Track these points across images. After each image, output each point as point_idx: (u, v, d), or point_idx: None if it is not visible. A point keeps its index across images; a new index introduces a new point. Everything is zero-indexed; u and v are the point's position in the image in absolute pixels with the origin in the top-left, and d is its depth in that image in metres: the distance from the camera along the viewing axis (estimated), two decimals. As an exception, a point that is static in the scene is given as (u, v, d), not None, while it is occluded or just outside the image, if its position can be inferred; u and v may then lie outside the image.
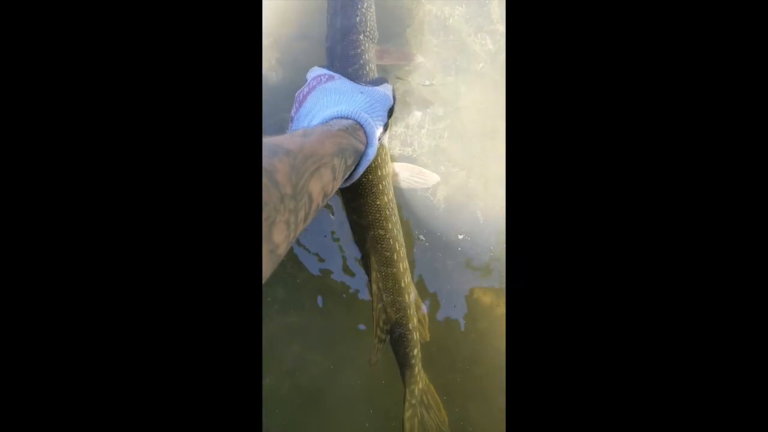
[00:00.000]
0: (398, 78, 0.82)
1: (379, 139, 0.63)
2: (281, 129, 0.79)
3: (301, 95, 0.65)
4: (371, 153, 0.60)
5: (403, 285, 0.68)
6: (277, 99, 0.80)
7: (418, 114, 0.81)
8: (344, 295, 0.74)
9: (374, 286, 0.67)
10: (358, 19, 0.73)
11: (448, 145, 0.80)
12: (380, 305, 0.67)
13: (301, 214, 0.43)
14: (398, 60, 0.80)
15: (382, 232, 0.67)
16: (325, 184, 0.48)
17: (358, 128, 0.59)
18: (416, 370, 0.68)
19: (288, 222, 0.40)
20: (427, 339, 0.70)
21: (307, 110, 0.62)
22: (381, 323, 0.67)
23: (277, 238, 0.38)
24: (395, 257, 0.68)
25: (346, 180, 0.61)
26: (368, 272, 0.69)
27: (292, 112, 0.66)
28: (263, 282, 0.35)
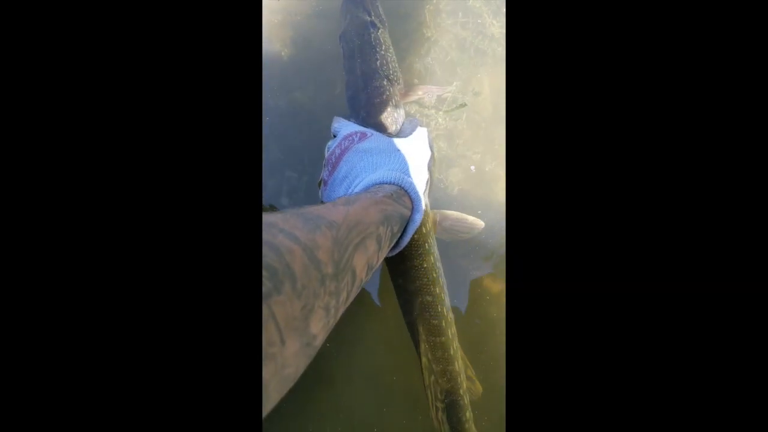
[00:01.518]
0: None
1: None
2: (294, 110, 0.78)
3: (333, 157, 0.62)
4: (418, 219, 0.57)
5: (452, 352, 0.63)
6: (288, 77, 0.80)
7: (434, 95, 0.80)
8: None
9: (423, 359, 0.63)
10: (378, 63, 0.69)
11: (464, 127, 0.79)
12: (432, 378, 0.63)
13: (343, 295, 0.38)
14: (425, 95, 0.76)
15: (429, 299, 0.62)
16: (370, 256, 0.44)
17: (402, 194, 0.56)
18: None
19: (328, 306, 0.35)
20: (480, 392, 0.66)
21: (343, 175, 0.59)
22: (438, 394, 0.63)
23: (314, 328, 0.33)
24: (443, 324, 0.63)
25: (393, 248, 0.58)
26: (416, 342, 0.65)
27: (325, 174, 0.63)
28: (295, 380, 0.32)
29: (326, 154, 0.64)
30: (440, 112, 0.79)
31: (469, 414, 0.65)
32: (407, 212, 0.56)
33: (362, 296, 0.73)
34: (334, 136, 0.66)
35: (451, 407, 0.64)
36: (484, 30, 0.81)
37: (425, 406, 0.65)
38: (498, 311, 0.73)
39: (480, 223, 0.70)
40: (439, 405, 0.64)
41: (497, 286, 0.73)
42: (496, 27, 0.81)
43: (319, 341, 0.35)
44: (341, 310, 0.39)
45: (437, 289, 0.63)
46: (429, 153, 0.65)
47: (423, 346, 0.63)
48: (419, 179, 0.60)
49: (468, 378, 0.65)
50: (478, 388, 0.66)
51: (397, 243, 0.58)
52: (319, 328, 0.34)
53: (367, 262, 0.43)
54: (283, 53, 0.80)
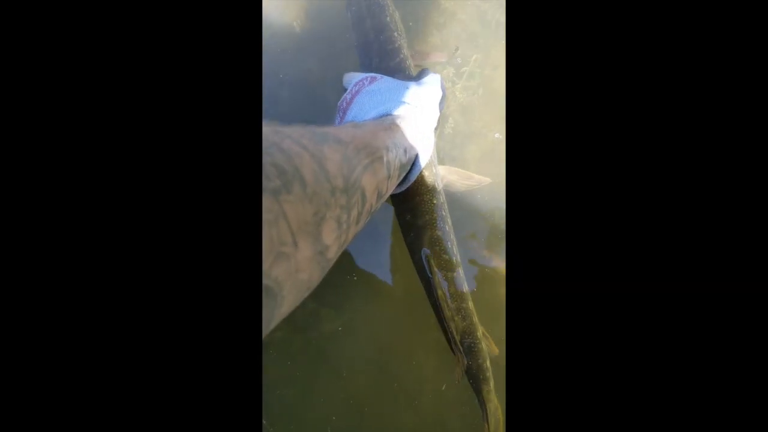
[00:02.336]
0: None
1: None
2: (307, 81, 0.77)
3: (344, 103, 0.61)
4: (426, 151, 0.56)
5: (464, 290, 0.62)
6: (302, 47, 0.78)
7: (451, 69, 0.78)
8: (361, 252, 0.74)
9: (439, 291, 0.61)
10: (388, 18, 0.70)
11: (481, 103, 0.77)
12: (450, 312, 0.61)
13: (354, 213, 0.37)
14: (429, 58, 0.76)
15: (440, 233, 0.62)
16: (380, 181, 0.42)
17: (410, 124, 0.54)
18: (492, 384, 0.62)
19: (339, 220, 0.34)
20: (496, 353, 0.64)
21: (353, 115, 0.57)
22: (455, 332, 0.61)
23: (327, 238, 0.32)
24: (454, 261, 0.62)
25: (401, 183, 0.57)
26: (426, 279, 0.63)
27: (336, 121, 0.62)
28: (310, 289, 0.32)
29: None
30: (457, 86, 0.77)
31: (489, 363, 0.62)
32: (416, 144, 0.55)
33: (370, 279, 0.73)
34: (346, 90, 0.65)
35: (470, 351, 0.61)
36: (505, 3, 0.77)
37: (433, 391, 0.64)
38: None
39: (486, 179, 0.70)
40: (461, 346, 0.61)
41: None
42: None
43: (332, 253, 0.34)
44: (353, 229, 0.38)
45: (447, 226, 0.63)
46: (441, 93, 0.64)
47: (436, 279, 0.62)
48: (429, 115, 0.59)
49: (483, 335, 0.63)
50: (494, 348, 0.64)
51: (406, 177, 0.57)
52: (332, 240, 0.33)
53: (376, 186, 0.42)
54: (295, 24, 0.78)
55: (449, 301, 0.61)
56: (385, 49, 0.68)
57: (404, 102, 0.56)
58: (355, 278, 0.73)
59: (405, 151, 0.50)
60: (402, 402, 0.69)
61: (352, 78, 0.64)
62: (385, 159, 0.44)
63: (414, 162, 0.56)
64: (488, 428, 0.62)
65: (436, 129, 0.63)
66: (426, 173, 0.62)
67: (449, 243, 0.63)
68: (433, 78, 0.64)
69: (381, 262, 0.73)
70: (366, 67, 0.70)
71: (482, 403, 0.62)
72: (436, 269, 0.62)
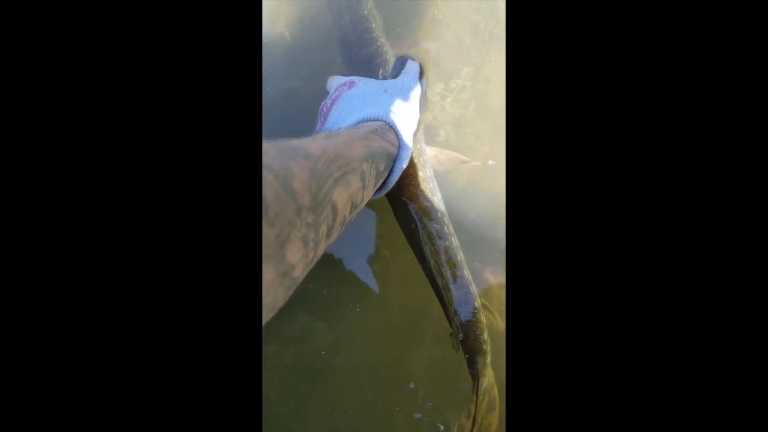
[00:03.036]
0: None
1: (414, 136, 0.59)
2: (295, 93, 0.77)
3: (324, 108, 0.61)
4: (405, 157, 0.55)
5: (459, 258, 0.61)
6: (296, 57, 0.78)
7: (441, 84, 0.77)
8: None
9: (432, 261, 0.60)
10: (366, 12, 0.74)
11: (473, 116, 0.76)
12: (443, 282, 0.60)
13: (323, 229, 0.37)
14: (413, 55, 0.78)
15: (427, 204, 0.61)
16: (354, 193, 0.42)
17: (387, 130, 0.54)
18: (488, 358, 0.59)
19: (306, 238, 0.34)
20: (502, 329, 0.62)
21: (332, 122, 0.58)
22: (452, 300, 0.59)
23: (291, 258, 0.32)
24: (446, 230, 0.62)
25: (380, 189, 0.57)
26: (420, 251, 0.62)
27: (318, 126, 0.62)
28: (274, 311, 0.32)
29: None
30: (447, 100, 0.77)
31: (487, 336, 0.60)
32: (393, 150, 0.54)
33: (361, 289, 0.72)
34: (328, 93, 0.65)
35: (468, 321, 0.60)
36: (498, 15, 0.78)
37: (427, 398, 0.63)
38: (502, 303, 0.71)
39: (475, 164, 0.72)
40: (455, 308, 0.59)
41: (501, 279, 0.71)
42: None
43: (298, 272, 0.34)
44: (322, 245, 0.38)
45: (435, 198, 0.63)
46: (419, 90, 0.64)
47: (428, 249, 0.61)
48: (409, 118, 0.58)
49: (484, 306, 0.62)
50: (499, 322, 0.62)
51: (385, 183, 0.56)
52: (297, 259, 0.33)
53: (350, 198, 0.41)
54: (287, 34, 0.79)
55: (443, 270, 0.60)
56: (362, 39, 0.72)
57: (382, 107, 0.56)
58: (358, 310, 0.72)
59: (382, 157, 0.50)
60: (397, 417, 0.68)
61: (334, 82, 0.65)
62: (359, 169, 0.43)
63: (393, 167, 0.56)
64: (475, 402, 0.59)
65: (416, 132, 0.63)
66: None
67: (439, 213, 0.62)
68: (411, 68, 0.64)
69: (375, 275, 0.72)
70: (346, 62, 0.72)
71: (474, 376, 0.60)
72: (427, 239, 0.61)
